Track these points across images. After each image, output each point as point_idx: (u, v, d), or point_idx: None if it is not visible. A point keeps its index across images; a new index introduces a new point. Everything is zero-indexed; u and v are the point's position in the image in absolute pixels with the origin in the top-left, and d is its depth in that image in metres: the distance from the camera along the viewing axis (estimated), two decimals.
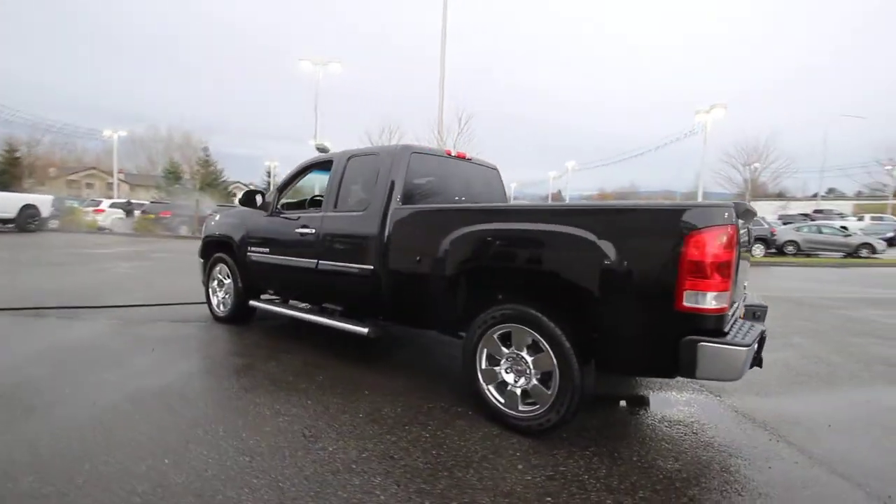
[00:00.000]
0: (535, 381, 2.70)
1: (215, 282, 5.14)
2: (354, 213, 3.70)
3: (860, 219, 27.82)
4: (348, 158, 3.94)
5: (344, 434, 2.65)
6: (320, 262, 3.85)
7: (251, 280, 4.70)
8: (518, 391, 2.76)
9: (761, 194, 30.59)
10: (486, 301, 2.88)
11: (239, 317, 4.93)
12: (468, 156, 4.26)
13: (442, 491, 2.16)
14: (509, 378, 2.81)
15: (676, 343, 2.21)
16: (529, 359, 2.70)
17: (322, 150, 20.68)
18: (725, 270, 2.16)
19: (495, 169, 4.61)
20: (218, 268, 5.06)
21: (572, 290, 2.48)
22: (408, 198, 3.51)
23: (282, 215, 4.40)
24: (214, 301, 5.14)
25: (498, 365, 2.87)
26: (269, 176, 66.46)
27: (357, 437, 2.63)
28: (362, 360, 3.98)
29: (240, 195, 4.57)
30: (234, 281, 4.81)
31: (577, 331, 2.54)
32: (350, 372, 3.66)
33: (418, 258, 3.20)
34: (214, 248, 5.14)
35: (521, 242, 2.69)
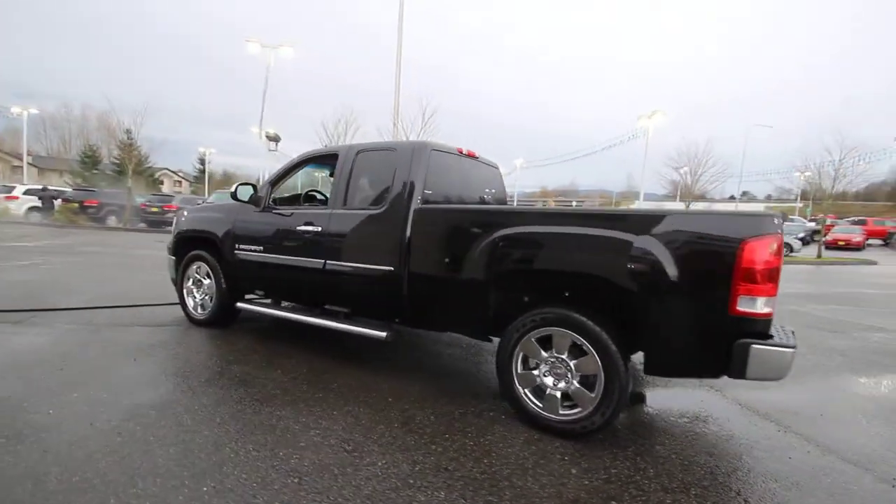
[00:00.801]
0: (576, 384, 2.71)
1: (190, 281, 4.72)
2: (369, 212, 3.53)
3: (791, 220, 30.76)
4: (357, 153, 3.75)
5: (387, 447, 2.52)
6: (328, 262, 3.64)
7: (238, 280, 4.36)
8: (558, 394, 2.76)
9: (687, 196, 33.13)
10: (525, 305, 2.86)
11: (220, 320, 4.56)
12: (476, 154, 4.20)
13: (510, 502, 2.11)
14: (548, 381, 2.80)
15: (729, 346, 2.31)
16: (571, 362, 2.71)
17: (273, 138, 19.63)
18: (775, 276, 2.28)
19: (497, 167, 4.58)
20: (195, 267, 4.64)
21: (624, 294, 2.51)
22: (426, 197, 3.40)
23: (275, 211, 4.11)
24: (190, 303, 4.72)
25: (535, 369, 2.85)
26: (202, 164, 62.21)
27: (401, 448, 2.51)
28: (369, 365, 3.82)
29: (232, 188, 4.20)
30: (217, 281, 4.43)
31: (623, 334, 2.58)
32: (364, 378, 3.50)
33: (447, 260, 3.11)
34: (190, 245, 4.71)
35: (571, 247, 2.68)
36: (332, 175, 4.86)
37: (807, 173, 43.55)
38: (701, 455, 2.67)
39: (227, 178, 69.54)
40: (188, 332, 4.42)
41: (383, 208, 3.45)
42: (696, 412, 3.28)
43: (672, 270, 2.39)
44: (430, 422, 2.85)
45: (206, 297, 4.60)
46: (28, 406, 2.71)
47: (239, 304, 4.32)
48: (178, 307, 4.84)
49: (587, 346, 2.63)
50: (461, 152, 3.94)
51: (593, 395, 2.64)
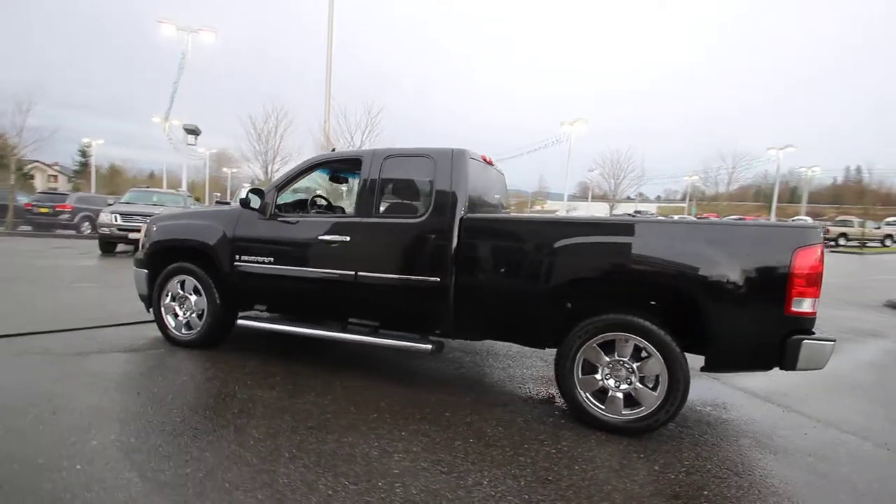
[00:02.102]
0: (638, 385, 2.88)
1: (168, 297, 4.18)
2: (407, 221, 3.41)
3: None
4: (384, 158, 3.58)
5: (478, 464, 2.48)
6: (359, 273, 3.45)
7: (240, 295, 3.96)
8: (620, 395, 2.91)
9: (599, 198, 36.32)
10: (588, 311, 2.96)
11: (212, 340, 4.10)
12: (492, 161, 4.23)
13: None
14: (609, 384, 2.94)
15: (783, 342, 2.61)
16: (634, 364, 2.87)
17: (192, 131, 17.80)
18: (819, 280, 2.62)
19: (503, 174, 4.65)
20: (177, 281, 4.12)
21: (689, 299, 2.72)
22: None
23: (284, 219, 3.80)
24: (172, 322, 4.17)
25: (595, 372, 2.97)
26: (83, 156, 54.51)
27: (493, 464, 2.48)
28: (396, 376, 3.73)
29: (241, 194, 3.77)
30: (210, 297, 3.98)
31: (685, 336, 2.79)
32: (406, 392, 3.38)
33: (503, 270, 3.12)
34: (170, 257, 4.18)
35: (637, 256, 2.83)
36: (337, 181, 4.63)
37: (693, 177, 49.86)
38: (742, 439, 2.98)
39: (114, 173, 61.73)
40: (176, 355, 3.91)
41: (423, 218, 3.35)
42: (713, 400, 3.63)
43: (736, 277, 2.64)
44: (502, 433, 2.85)
45: (194, 316, 4.10)
46: (46, 463, 2.23)
47: (242, 323, 3.92)
48: (141, 327, 4.30)
49: (651, 348, 2.81)
50: (485, 160, 3.95)
51: (656, 394, 2.83)
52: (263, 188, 3.82)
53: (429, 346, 3.32)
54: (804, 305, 2.60)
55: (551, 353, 4.39)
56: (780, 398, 3.73)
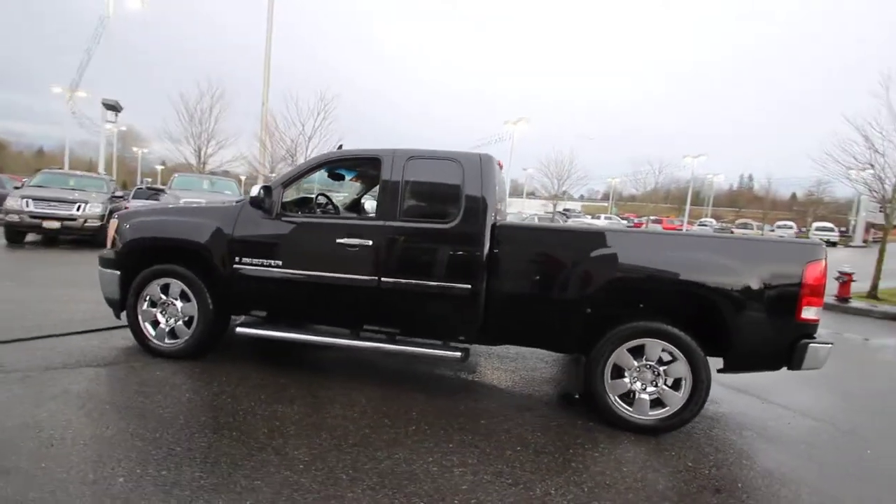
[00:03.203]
0: (664, 387, 3.07)
1: (146, 303, 3.73)
2: (436, 226, 3.33)
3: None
4: (407, 159, 3.46)
5: (539, 473, 2.51)
6: (383, 279, 3.32)
7: (237, 300, 3.64)
8: (647, 398, 3.09)
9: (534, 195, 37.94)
10: (620, 318, 3.09)
11: (202, 349, 3.73)
12: (503, 164, 4.25)
13: (679, 496, 2.35)
14: (636, 387, 3.11)
15: (793, 345, 2.92)
16: (661, 368, 3.06)
17: (112, 107, 15.86)
18: (823, 291, 2.96)
19: (503, 179, 4.69)
20: (159, 284, 3.69)
21: (716, 307, 2.94)
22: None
23: (290, 218, 3.55)
24: (152, 331, 3.73)
25: (623, 376, 3.13)
26: None
27: (553, 472, 2.53)
28: (412, 384, 3.68)
29: (254, 192, 3.41)
30: (202, 302, 3.61)
31: (708, 340, 3.02)
32: (432, 401, 3.33)
33: (537, 278, 3.16)
34: (150, 258, 3.73)
35: (670, 267, 3.00)
36: (334, 178, 4.38)
37: (615, 179, 53.52)
38: (744, 431, 3.30)
39: None
40: (163, 368, 3.50)
41: (453, 223, 3.29)
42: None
43: (757, 287, 2.90)
44: (542, 439, 2.90)
45: (180, 323, 3.69)
46: None
47: (242, 331, 3.59)
48: (103, 334, 3.83)
49: (677, 352, 3.01)
50: (500, 164, 3.95)
51: (680, 395, 3.04)
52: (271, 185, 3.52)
53: (458, 354, 3.28)
54: (811, 313, 2.93)
55: (549, 353, 4.56)
56: (753, 390, 4.14)
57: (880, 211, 10.65)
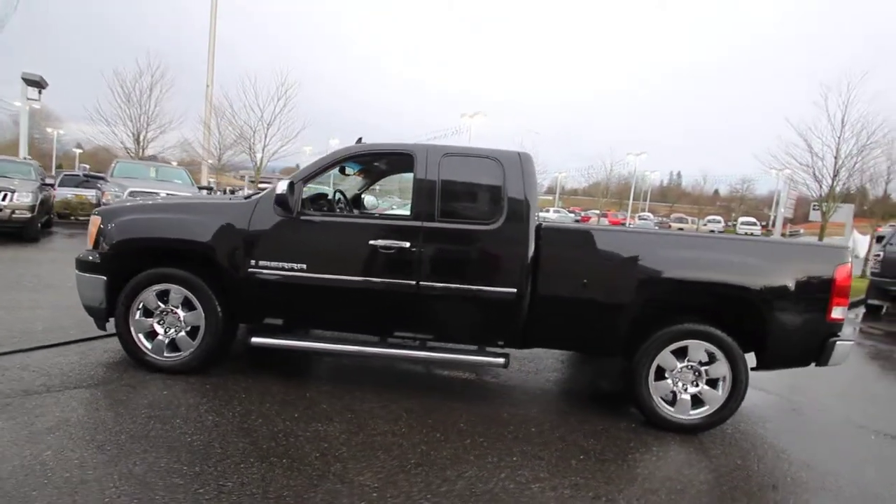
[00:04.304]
0: (704, 387, 3.13)
1: (139, 312, 3.28)
2: (479, 228, 3.17)
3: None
4: (442, 156, 3.26)
5: (614, 483, 2.47)
6: (422, 283, 3.12)
7: (252, 307, 3.28)
8: (688, 398, 3.14)
9: None
10: (664, 321, 3.11)
11: (209, 362, 3.34)
12: None
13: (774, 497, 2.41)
14: (678, 387, 3.15)
15: (823, 343, 3.08)
16: (703, 368, 3.12)
17: (35, 83, 13.92)
18: (849, 292, 3.13)
19: None
20: (154, 291, 3.25)
21: (756, 308, 3.03)
22: None
23: (312, 217, 3.25)
24: (147, 343, 3.29)
25: (665, 378, 3.16)
26: None
27: (624, 481, 2.51)
28: (445, 393, 3.55)
29: (280, 188, 3.01)
30: (210, 310, 3.22)
31: (747, 340, 3.11)
32: (469, 409, 3.20)
33: (586, 281, 3.10)
34: (144, 260, 3.28)
35: (716, 270, 3.05)
36: (343, 172, 4.08)
37: (562, 174, 55.32)
38: (767, 423, 3.47)
39: None
40: (170, 387, 3.09)
41: (496, 224, 3.14)
42: None
43: (794, 289, 3.02)
44: (598, 445, 2.86)
45: (182, 334, 3.28)
46: None
47: (258, 340, 3.24)
48: (77, 347, 3.39)
49: (718, 353, 3.08)
50: None
51: (720, 394, 3.11)
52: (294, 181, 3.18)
53: (501, 360, 3.17)
54: (839, 312, 3.09)
55: (564, 353, 4.55)
56: (764, 385, 4.36)
57: (814, 209, 11.72)
